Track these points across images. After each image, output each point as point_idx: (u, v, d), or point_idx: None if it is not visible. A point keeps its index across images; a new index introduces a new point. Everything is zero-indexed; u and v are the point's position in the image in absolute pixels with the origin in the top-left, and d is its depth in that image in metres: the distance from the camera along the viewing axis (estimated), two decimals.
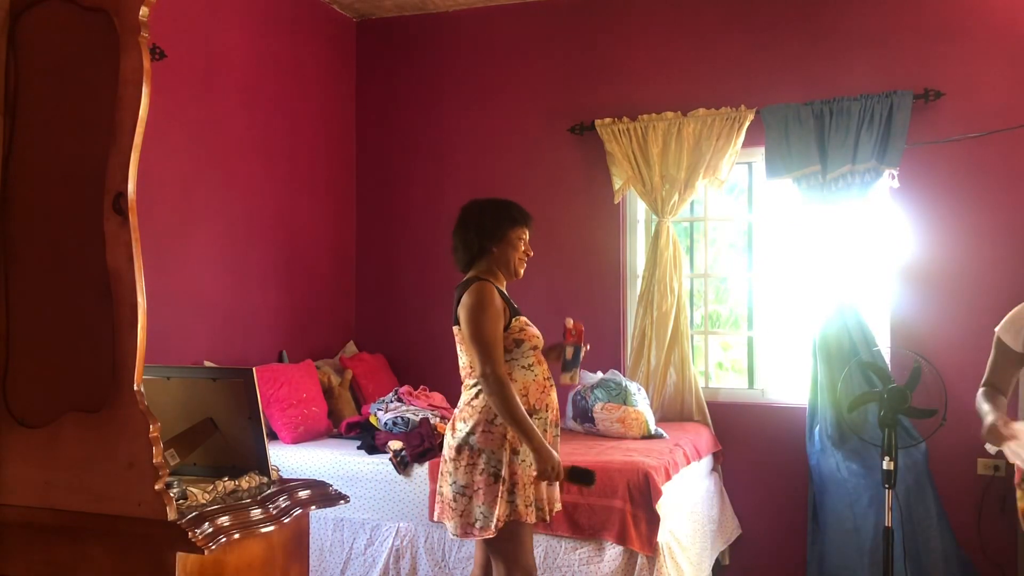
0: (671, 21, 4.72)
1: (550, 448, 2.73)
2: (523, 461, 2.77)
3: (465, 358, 2.86)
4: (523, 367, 2.82)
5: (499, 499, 2.71)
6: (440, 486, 2.88)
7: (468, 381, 2.86)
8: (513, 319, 2.83)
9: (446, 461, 2.83)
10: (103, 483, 1.79)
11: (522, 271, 2.93)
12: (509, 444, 2.75)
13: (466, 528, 2.76)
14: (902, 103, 4.13)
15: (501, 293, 2.85)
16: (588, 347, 3.04)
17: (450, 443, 2.82)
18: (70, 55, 1.90)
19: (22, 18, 1.93)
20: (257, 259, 4.56)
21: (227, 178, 4.36)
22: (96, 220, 1.81)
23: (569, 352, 2.96)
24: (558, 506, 2.97)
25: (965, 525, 4.10)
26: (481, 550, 2.95)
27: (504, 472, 2.73)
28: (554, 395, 2.92)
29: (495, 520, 2.71)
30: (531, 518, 2.78)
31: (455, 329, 2.86)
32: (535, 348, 2.86)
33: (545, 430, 2.83)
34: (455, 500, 2.77)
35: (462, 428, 2.79)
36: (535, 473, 2.74)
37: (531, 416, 2.77)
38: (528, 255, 2.94)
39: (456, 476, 2.77)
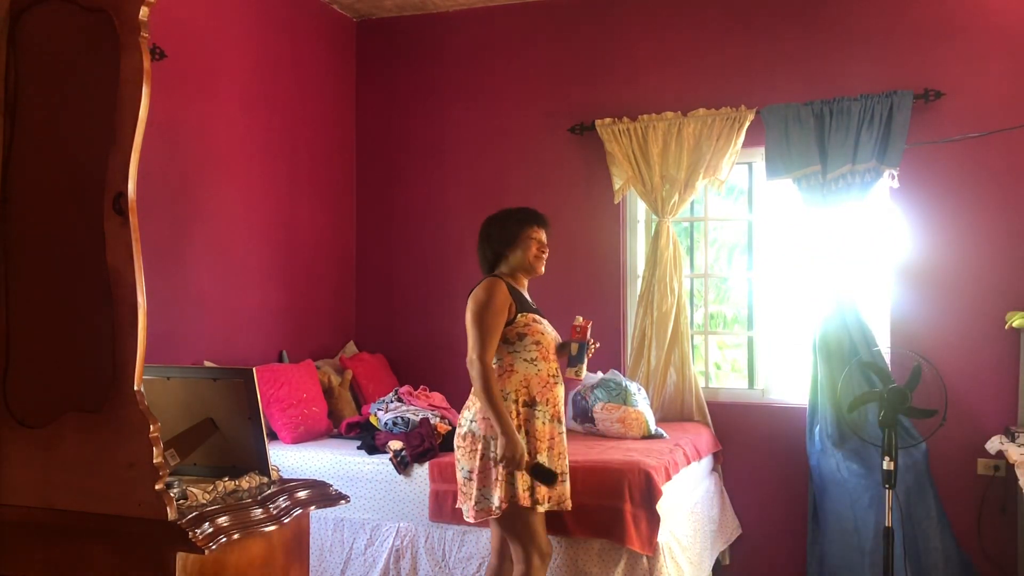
0: (671, 21, 4.72)
1: (518, 437, 2.86)
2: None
3: None
4: (526, 360, 2.98)
5: (498, 482, 2.88)
6: (457, 473, 3.05)
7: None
8: (520, 314, 2.98)
9: (456, 448, 3.02)
10: (103, 483, 1.79)
11: (541, 267, 3.11)
12: None
13: (477, 512, 2.93)
14: (902, 103, 4.13)
15: (513, 290, 3.01)
16: (597, 344, 3.18)
17: (459, 431, 3.01)
18: (70, 55, 1.90)
19: (22, 18, 1.93)
20: (257, 259, 4.56)
21: (227, 178, 4.36)
22: (96, 220, 1.81)
23: (574, 348, 3.10)
24: (568, 504, 3.06)
25: (965, 525, 4.10)
26: (496, 535, 3.07)
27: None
28: (559, 391, 3.07)
29: (497, 502, 2.88)
30: (527, 502, 2.90)
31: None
32: (538, 343, 3.00)
33: (544, 423, 2.98)
34: (465, 485, 2.96)
35: (467, 416, 2.99)
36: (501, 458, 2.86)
37: (531, 407, 2.95)
38: (543, 252, 3.10)
39: (463, 462, 2.97)
